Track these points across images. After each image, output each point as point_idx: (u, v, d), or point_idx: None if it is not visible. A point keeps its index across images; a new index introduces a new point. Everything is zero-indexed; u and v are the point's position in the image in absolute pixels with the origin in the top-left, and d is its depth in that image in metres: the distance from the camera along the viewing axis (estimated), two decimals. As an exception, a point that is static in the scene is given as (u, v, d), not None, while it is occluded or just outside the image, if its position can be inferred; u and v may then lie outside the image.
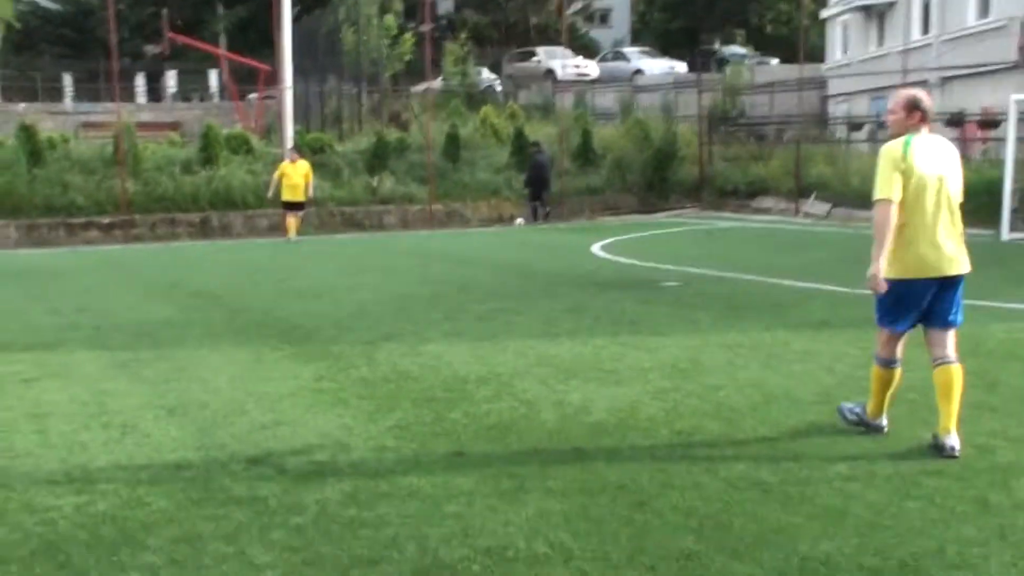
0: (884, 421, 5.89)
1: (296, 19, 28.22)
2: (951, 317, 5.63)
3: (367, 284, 13.82)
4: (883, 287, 5.49)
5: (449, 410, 6.62)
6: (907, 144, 5.49)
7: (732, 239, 20.69)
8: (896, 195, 5.42)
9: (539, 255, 17.82)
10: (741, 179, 28.87)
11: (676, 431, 6.04)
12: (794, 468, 5.30)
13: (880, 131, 29.90)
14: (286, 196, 21.82)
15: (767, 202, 27.87)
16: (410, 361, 8.25)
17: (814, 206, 26.23)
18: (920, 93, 5.71)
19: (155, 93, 42.89)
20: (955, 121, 26.38)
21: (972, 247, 5.69)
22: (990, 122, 23.37)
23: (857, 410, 5.97)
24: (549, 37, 46.40)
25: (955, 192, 5.56)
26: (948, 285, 5.57)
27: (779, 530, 4.43)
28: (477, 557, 4.19)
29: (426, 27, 33.66)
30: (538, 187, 25.82)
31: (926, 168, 5.46)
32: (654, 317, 10.43)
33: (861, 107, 33.76)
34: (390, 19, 35.36)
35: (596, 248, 18.59)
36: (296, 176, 21.80)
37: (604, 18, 59.28)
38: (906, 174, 5.44)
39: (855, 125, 31.44)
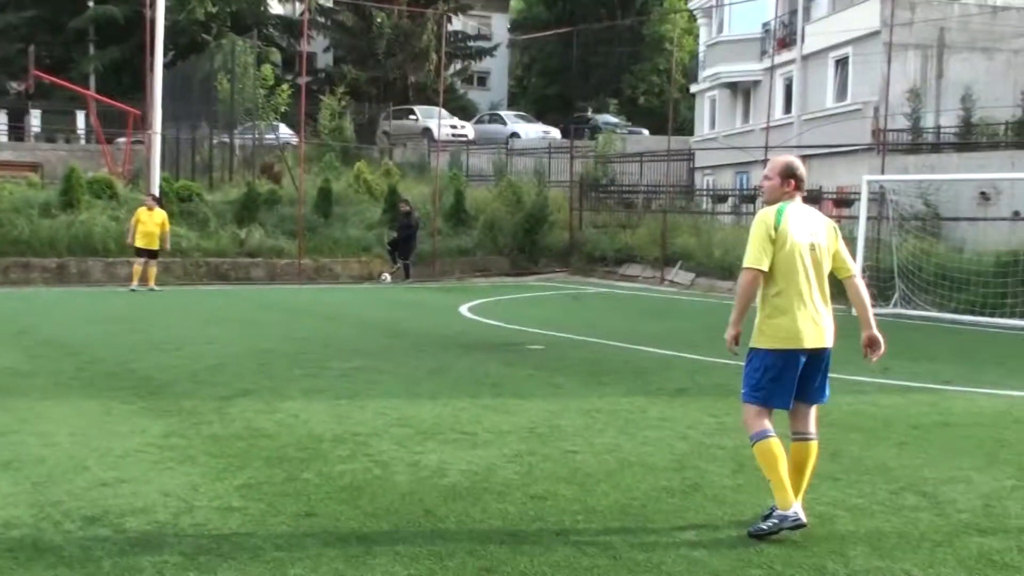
0: (798, 509, 5.30)
1: (170, 64, 27.81)
2: (819, 393, 5.54)
3: (228, 337, 13.52)
4: (735, 348, 5.51)
5: (301, 470, 6.48)
6: (780, 212, 5.43)
7: (598, 305, 20.98)
8: (763, 263, 5.35)
9: (407, 314, 17.75)
10: (609, 246, 29.39)
11: (530, 495, 6.03)
12: (643, 534, 5.35)
13: (744, 204, 30.94)
14: (139, 243, 21.31)
15: (634, 269, 28.42)
16: (265, 418, 8.07)
17: (678, 275, 26.85)
18: (795, 161, 5.66)
19: (17, 132, 41.51)
20: (813, 198, 27.44)
21: (824, 321, 5.81)
22: (844, 200, 24.37)
23: (770, 516, 5.34)
24: (427, 96, 46.72)
25: (827, 263, 5.50)
26: (817, 358, 5.45)
27: (624, 598, 4.45)
28: (317, 624, 4.08)
29: (303, 79, 33.50)
30: (406, 246, 26.07)
31: (799, 236, 5.40)
32: (516, 380, 10.46)
33: (726, 180, 34.87)
34: (268, 69, 35.14)
35: (464, 309, 18.62)
36: (151, 224, 21.33)
37: (482, 81, 60.06)
38: (779, 242, 5.36)
39: (720, 197, 32.43)
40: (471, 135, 41.63)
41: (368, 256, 27.10)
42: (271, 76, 35.01)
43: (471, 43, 53.68)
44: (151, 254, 21.52)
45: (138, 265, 21.44)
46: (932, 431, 8.25)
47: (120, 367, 10.66)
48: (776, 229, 5.37)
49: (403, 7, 45.35)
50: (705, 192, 35.21)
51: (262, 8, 44.85)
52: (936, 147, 26.01)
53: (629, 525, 5.50)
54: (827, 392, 5.61)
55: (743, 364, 5.55)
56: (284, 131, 35.14)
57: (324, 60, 51.76)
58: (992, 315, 17.95)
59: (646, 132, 44.68)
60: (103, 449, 6.92)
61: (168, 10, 26.18)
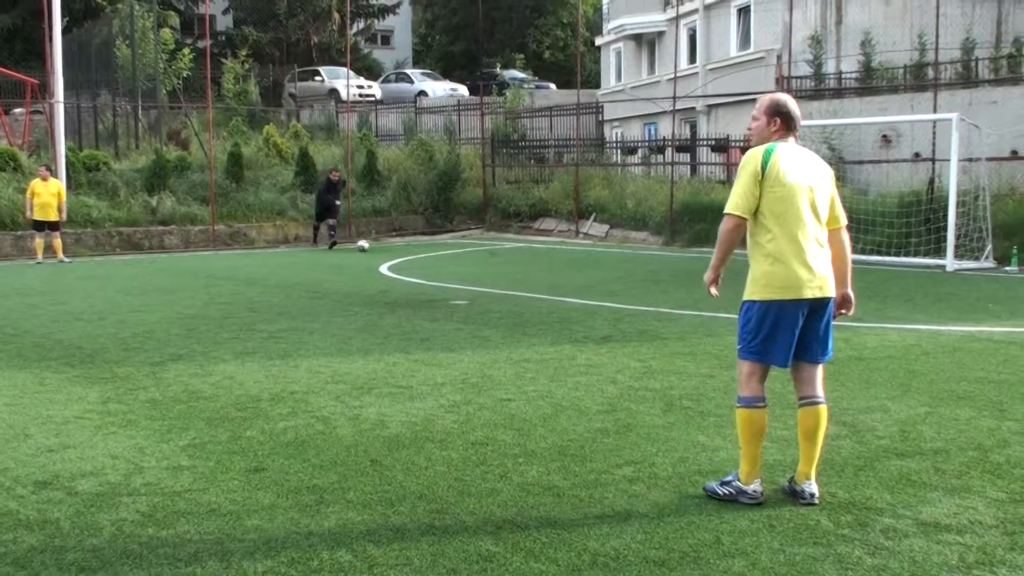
0: (758, 487, 5.07)
1: (66, 30, 27.05)
2: (822, 349, 5.14)
3: (151, 305, 13.43)
4: (713, 291, 5.23)
5: (244, 428, 6.60)
6: (769, 152, 4.99)
7: (517, 259, 21.22)
8: (745, 209, 4.97)
9: (327, 275, 17.77)
10: (523, 201, 29.64)
11: (471, 442, 6.24)
12: (583, 473, 5.59)
13: (652, 156, 31.41)
14: (36, 215, 20.92)
15: (548, 223, 28.72)
16: (200, 381, 8.14)
17: (593, 227, 27.22)
18: (782, 97, 5.25)
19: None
20: (720, 147, 28.02)
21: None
22: (744, 148, 24.92)
23: (730, 483, 5.12)
24: (331, 57, 46.24)
25: (824, 208, 5.07)
26: (818, 309, 5.04)
27: (571, 529, 4.69)
28: (281, 568, 4.24)
29: (205, 43, 32.90)
30: (333, 210, 25.41)
31: (795, 177, 4.96)
32: (445, 334, 10.64)
33: (635, 132, 35.29)
34: (167, 33, 34.41)
35: (384, 268, 18.71)
36: (47, 195, 20.93)
37: (386, 39, 59.59)
38: (768, 184, 4.94)
39: (630, 149, 32.85)
40: (378, 95, 41.38)
41: (283, 220, 26.94)
42: (171, 40, 34.31)
43: (373, 1, 53.15)
44: (52, 226, 21.11)
45: (39, 238, 21.04)
46: (848, 365, 8.66)
47: (46, 338, 10.57)
48: (764, 171, 4.95)
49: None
50: (615, 144, 35.63)
51: (157, -30, 43.80)
52: (838, 92, 26.68)
53: (568, 465, 5.74)
54: (831, 348, 5.22)
55: (736, 317, 5.28)
56: None
57: (224, 22, 50.81)
58: (897, 254, 18.65)
59: (553, 87, 44.89)
60: (43, 417, 6.94)
61: (61, -26, 25.39)
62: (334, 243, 24.88)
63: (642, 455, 5.93)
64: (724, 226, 5.03)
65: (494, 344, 9.99)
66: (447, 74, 48.98)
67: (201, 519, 4.86)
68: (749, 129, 5.36)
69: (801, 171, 5.01)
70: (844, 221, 5.25)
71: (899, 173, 21.94)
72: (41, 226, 21.04)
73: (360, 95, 39.75)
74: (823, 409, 5.11)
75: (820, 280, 4.98)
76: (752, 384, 5.08)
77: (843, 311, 5.29)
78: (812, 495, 5.03)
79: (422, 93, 41.66)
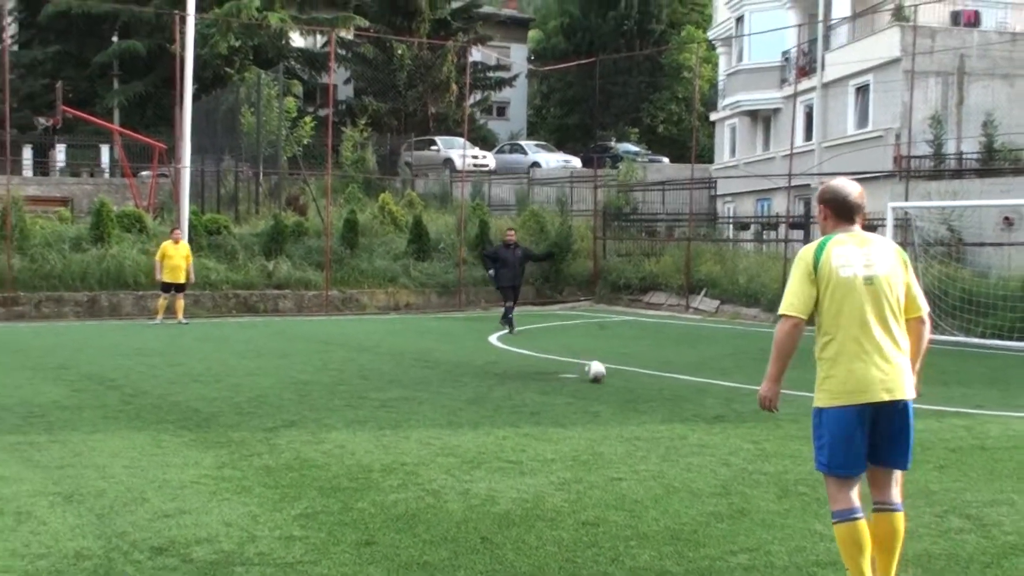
0: None
1: (194, 97, 28.11)
2: (900, 455, 4.74)
3: (265, 369, 13.69)
4: (772, 405, 4.90)
5: (356, 499, 6.62)
6: (821, 247, 4.76)
7: (626, 333, 21.08)
8: (801, 309, 4.71)
9: (437, 344, 17.89)
10: (634, 274, 29.51)
11: (581, 522, 6.15)
12: (696, 559, 5.46)
13: (764, 232, 31.05)
14: (166, 277, 21.61)
15: (658, 297, 28.51)
16: (313, 449, 8.22)
17: (703, 302, 26.93)
18: (835, 183, 4.95)
19: (43, 166, 42.02)
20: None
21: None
22: (868, 227, 24.40)
23: None
24: (447, 127, 47.10)
25: (894, 297, 4.72)
26: (889, 412, 4.65)
27: (686, 621, 4.56)
28: (391, 648, 4.21)
29: (327, 112, 33.86)
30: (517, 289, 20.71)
31: (847, 270, 4.67)
32: (554, 408, 10.58)
33: (747, 207, 34.99)
34: (291, 102, 35.52)
35: (494, 339, 18.76)
36: (178, 257, 21.62)
37: (501, 111, 60.48)
38: (822, 282, 4.70)
39: (742, 225, 32.53)
40: (492, 165, 41.91)
41: (395, 287, 27.29)
42: (294, 108, 35.41)
43: (491, 74, 54.11)
44: (179, 288, 21.77)
45: (163, 299, 21.69)
46: (970, 454, 8.33)
47: (164, 400, 10.84)
48: (816, 267, 4.72)
49: (423, 39, 45.81)
50: (727, 219, 35.34)
51: (283, 41, 45.37)
52: (958, 173, 26.04)
53: (681, 550, 5.61)
54: (910, 455, 4.79)
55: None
56: None
57: (345, 92, 52.26)
58: (1020, 339, 17.97)
59: (666, 160, 44.88)
60: (159, 481, 7.08)
61: (192, 44, 26.52)
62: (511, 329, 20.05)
63: (757, 542, 5.76)
64: (780, 329, 4.78)
65: (604, 420, 9.88)
66: (560, 146, 49.38)
67: (312, 591, 4.86)
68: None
69: (859, 263, 4.70)
70: (924, 310, 4.85)
71: (1022, 256, 21.24)
72: (168, 287, 21.70)
73: (474, 165, 40.32)
74: (899, 517, 4.74)
75: (889, 380, 4.62)
76: (839, 496, 4.69)
77: None
78: None
79: (535, 164, 42.05)
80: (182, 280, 21.74)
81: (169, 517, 6.16)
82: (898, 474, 4.79)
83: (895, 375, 4.65)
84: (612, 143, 47.31)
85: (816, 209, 5.03)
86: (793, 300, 4.74)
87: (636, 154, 43.16)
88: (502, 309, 20.62)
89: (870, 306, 4.67)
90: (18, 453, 8.00)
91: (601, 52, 49.79)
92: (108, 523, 6.03)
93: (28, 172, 39.83)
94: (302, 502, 6.54)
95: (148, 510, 6.32)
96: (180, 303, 21.82)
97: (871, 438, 4.68)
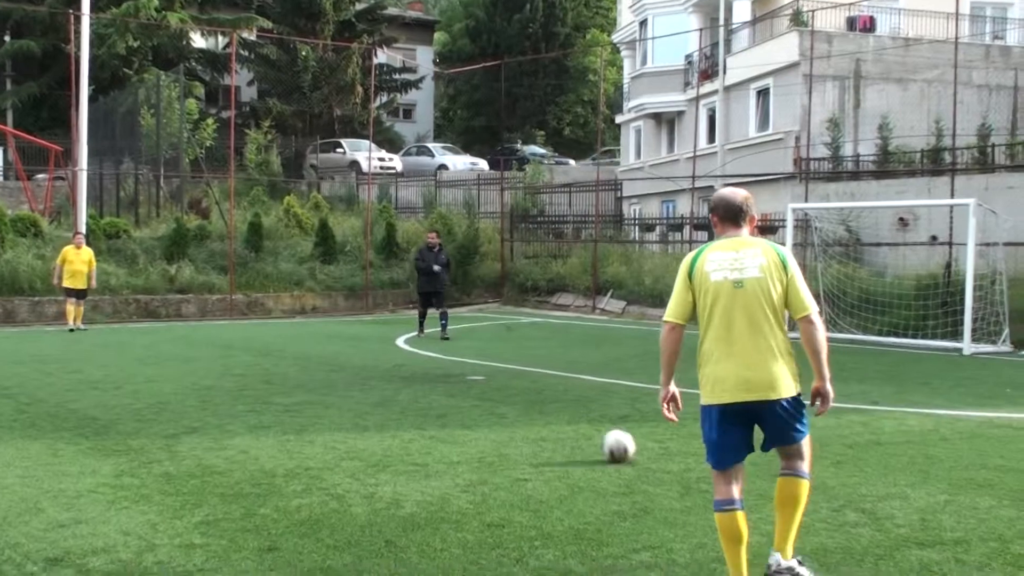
0: None
1: (91, 99, 27.44)
2: (784, 438, 4.88)
3: (166, 375, 13.43)
4: (666, 412, 5.09)
5: (258, 505, 6.54)
6: (698, 254, 4.94)
7: (533, 334, 21.19)
8: (678, 314, 4.90)
9: (344, 348, 17.77)
10: (541, 275, 29.68)
11: (486, 523, 6.16)
12: (600, 557, 5.51)
13: (670, 233, 31.51)
14: (67, 283, 20.99)
15: (566, 298, 28.73)
16: (215, 455, 8.09)
17: (609, 303, 27.21)
18: (723, 192, 5.10)
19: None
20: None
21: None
22: (768, 228, 24.97)
23: None
24: (353, 129, 46.74)
25: (764, 300, 4.78)
26: (767, 413, 4.79)
27: (588, 619, 4.60)
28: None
29: (229, 113, 33.34)
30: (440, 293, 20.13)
31: (717, 275, 4.81)
32: (461, 410, 10.58)
33: (653, 209, 35.44)
34: (192, 103, 34.90)
35: (400, 341, 18.70)
36: (79, 262, 21.05)
37: (408, 113, 60.22)
38: (696, 288, 4.87)
39: (648, 226, 32.95)
40: (399, 167, 41.76)
41: (301, 290, 27.03)
42: (196, 110, 34.80)
43: (396, 76, 53.85)
44: (80, 294, 21.20)
45: (70, 304, 21.08)
46: (866, 450, 8.56)
47: (61, 407, 10.56)
48: (691, 273, 4.90)
49: (327, 41, 45.40)
50: (633, 221, 35.75)
51: (184, 42, 44.48)
52: (855, 175, 26.78)
53: (585, 549, 5.66)
54: (799, 433, 4.88)
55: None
56: None
57: (248, 93, 51.48)
58: (915, 336, 18.54)
59: (572, 162, 45.24)
60: (55, 490, 6.90)
61: (89, 44, 25.87)
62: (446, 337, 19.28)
63: (660, 540, 5.84)
64: (661, 334, 5.00)
65: (510, 422, 9.92)
66: (468, 148, 49.42)
67: (212, 600, 4.79)
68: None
69: (726, 266, 4.81)
70: (811, 309, 4.82)
71: (916, 256, 21.91)
72: (71, 293, 21.08)
73: (381, 167, 40.12)
74: (800, 483, 4.89)
75: (753, 382, 4.73)
76: (717, 487, 4.88)
77: (817, 406, 4.95)
78: (775, 568, 4.87)
79: (442, 167, 42.03)
80: (83, 286, 21.16)
81: (64, 527, 6.01)
82: (799, 446, 4.90)
83: (763, 376, 4.75)
84: (519, 145, 47.55)
85: None
86: (672, 306, 4.94)
87: (542, 156, 43.42)
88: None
89: (739, 309, 4.78)
90: (-95, 465, 7.72)
91: (507, 55, 49.96)
92: (1, 534, 5.86)
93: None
94: (203, 509, 6.43)
95: (43, 520, 6.16)
96: (80, 309, 21.24)
97: (761, 429, 4.86)
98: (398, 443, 8.68)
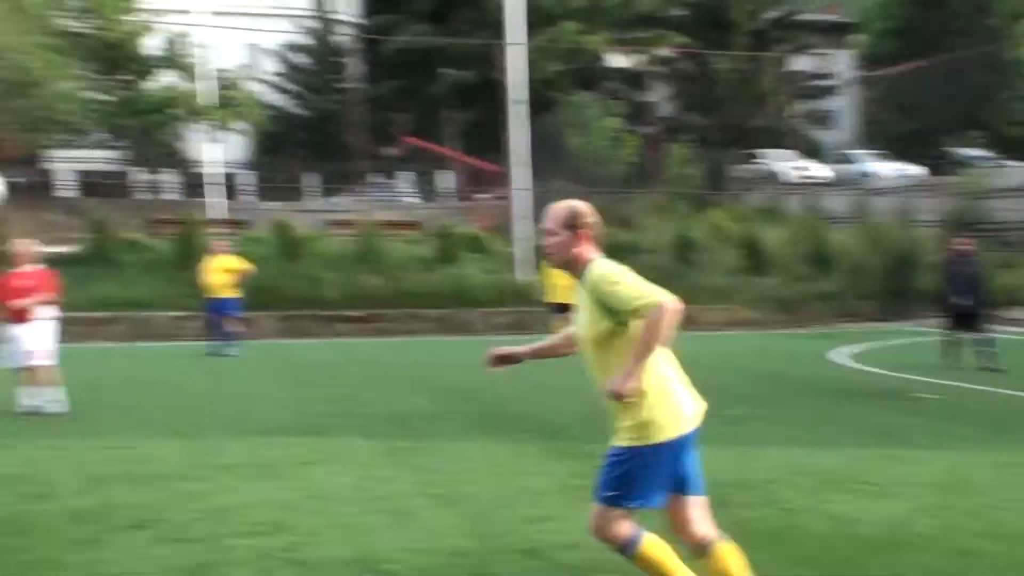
0: None
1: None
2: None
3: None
4: None
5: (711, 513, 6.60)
6: None
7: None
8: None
9: (778, 361, 17.51)
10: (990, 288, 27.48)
11: (954, 550, 5.83)
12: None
13: None
14: (558, 298, 21.38)
15: (1020, 312, 26.39)
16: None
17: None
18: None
19: (388, 193, 44.73)
20: None
21: None
22: None
23: None
24: (772, 139, 46.03)
25: (585, 332, 4.57)
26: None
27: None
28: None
29: (648, 129, 34.11)
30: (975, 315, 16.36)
31: None
32: (909, 429, 10.08)
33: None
34: (612, 121, 36.06)
35: (837, 356, 18.10)
36: (566, 278, 21.86)
37: (830, 120, 58.35)
38: None
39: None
40: (826, 176, 40.60)
41: (730, 303, 26.88)
42: (616, 128, 35.91)
43: (814, 83, 52.32)
44: (562, 308, 21.94)
45: (559, 320, 21.85)
46: None
47: (519, 411, 11.36)
48: None
49: (741, 52, 45.06)
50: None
51: (602, 63, 45.94)
52: None
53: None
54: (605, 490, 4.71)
55: None
56: None
57: (667, 108, 52.37)
58: None
59: (1015, 163, 41.58)
60: (521, 487, 7.41)
61: (524, 71, 27.59)
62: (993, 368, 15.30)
63: None
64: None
65: (970, 444, 9.28)
66: (900, 154, 47.00)
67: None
68: None
69: None
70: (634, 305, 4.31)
71: None
72: (557, 308, 21.85)
73: (803, 177, 39.25)
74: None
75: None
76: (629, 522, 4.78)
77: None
78: None
79: (867, 174, 40.32)
80: (564, 299, 22.07)
81: (533, 522, 6.43)
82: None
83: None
84: (954, 148, 44.58)
85: None
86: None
87: (981, 159, 40.37)
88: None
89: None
90: (392, 457, 8.66)
91: (933, 54, 46.96)
92: (480, 525, 6.39)
93: (378, 199, 42.77)
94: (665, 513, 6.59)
95: (515, 514, 6.63)
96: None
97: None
98: (846, 460, 8.45)
